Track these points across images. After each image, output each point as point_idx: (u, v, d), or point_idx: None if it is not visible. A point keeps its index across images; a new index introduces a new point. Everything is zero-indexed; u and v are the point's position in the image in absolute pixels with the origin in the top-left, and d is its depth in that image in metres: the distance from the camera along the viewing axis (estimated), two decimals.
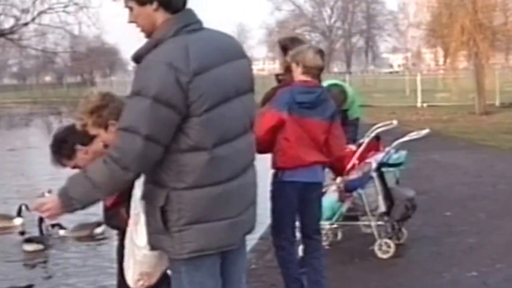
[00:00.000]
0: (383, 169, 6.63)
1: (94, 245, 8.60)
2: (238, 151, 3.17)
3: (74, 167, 4.02)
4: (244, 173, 3.23)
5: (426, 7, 22.93)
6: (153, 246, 3.21)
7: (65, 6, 34.41)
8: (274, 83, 5.55)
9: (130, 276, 3.44)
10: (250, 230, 3.39)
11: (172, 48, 3.00)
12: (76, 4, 33.91)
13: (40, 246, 8.34)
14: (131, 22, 3.14)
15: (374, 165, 6.58)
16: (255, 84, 3.34)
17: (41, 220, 8.78)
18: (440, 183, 10.12)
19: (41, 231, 8.69)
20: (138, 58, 3.08)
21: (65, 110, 42.31)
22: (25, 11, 31.64)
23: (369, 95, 30.65)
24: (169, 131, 2.95)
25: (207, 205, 3.08)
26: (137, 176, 3.03)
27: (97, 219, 9.18)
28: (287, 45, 5.56)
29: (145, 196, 3.16)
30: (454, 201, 8.94)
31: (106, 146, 3.93)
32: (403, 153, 6.90)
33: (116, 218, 4.01)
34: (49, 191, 9.64)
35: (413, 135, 6.96)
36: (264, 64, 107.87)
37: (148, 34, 3.13)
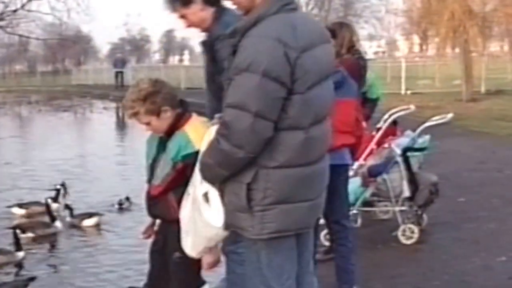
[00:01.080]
0: (409, 154, 6.55)
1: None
2: (325, 133, 3.18)
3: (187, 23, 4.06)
4: (325, 156, 3.23)
5: None
6: (228, 224, 3.15)
7: None
8: None
9: (192, 249, 3.43)
10: (321, 213, 3.45)
11: (278, 23, 2.98)
12: None
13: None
14: None
15: (398, 150, 6.51)
16: None
17: (48, 207, 8.64)
18: (446, 169, 10.04)
19: (51, 217, 8.52)
20: (235, 33, 3.06)
21: (42, 98, 41.92)
22: None
23: None
24: (277, 107, 2.93)
25: (294, 186, 3.05)
26: (250, 156, 2.95)
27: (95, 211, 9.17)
28: (335, 30, 5.51)
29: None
30: (465, 187, 8.92)
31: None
32: (427, 137, 6.83)
33: (163, 207, 3.95)
34: (62, 184, 9.55)
35: (437, 120, 6.90)
36: None
37: (246, 11, 3.10)
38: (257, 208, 3.02)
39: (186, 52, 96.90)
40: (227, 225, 3.15)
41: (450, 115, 6.88)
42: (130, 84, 4.22)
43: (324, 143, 3.18)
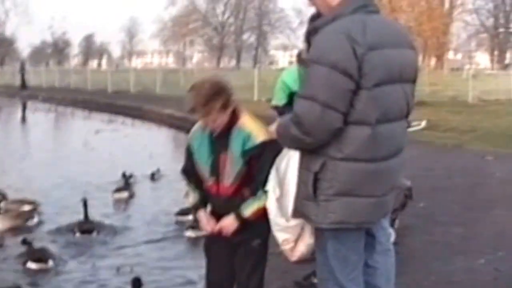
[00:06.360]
0: None
1: None
2: (395, 133, 3.29)
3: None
4: (395, 156, 3.34)
5: None
6: (298, 212, 3.29)
7: None
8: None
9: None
10: (387, 212, 3.52)
11: (350, 21, 3.12)
12: None
13: None
14: None
15: None
16: None
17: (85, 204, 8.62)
18: None
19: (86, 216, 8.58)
20: (314, 31, 3.21)
21: None
22: None
23: None
24: (345, 99, 3.07)
25: (359, 180, 3.18)
26: (319, 142, 3.11)
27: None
28: None
29: (301, 162, 3.25)
30: (421, 193, 9.00)
31: None
32: None
33: (240, 203, 3.94)
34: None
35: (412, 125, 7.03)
36: (153, 58, 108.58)
37: (323, 10, 3.25)
38: (322, 198, 3.17)
39: (105, 57, 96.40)
40: (296, 213, 3.29)
41: (424, 122, 7.04)
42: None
43: (393, 142, 3.29)
